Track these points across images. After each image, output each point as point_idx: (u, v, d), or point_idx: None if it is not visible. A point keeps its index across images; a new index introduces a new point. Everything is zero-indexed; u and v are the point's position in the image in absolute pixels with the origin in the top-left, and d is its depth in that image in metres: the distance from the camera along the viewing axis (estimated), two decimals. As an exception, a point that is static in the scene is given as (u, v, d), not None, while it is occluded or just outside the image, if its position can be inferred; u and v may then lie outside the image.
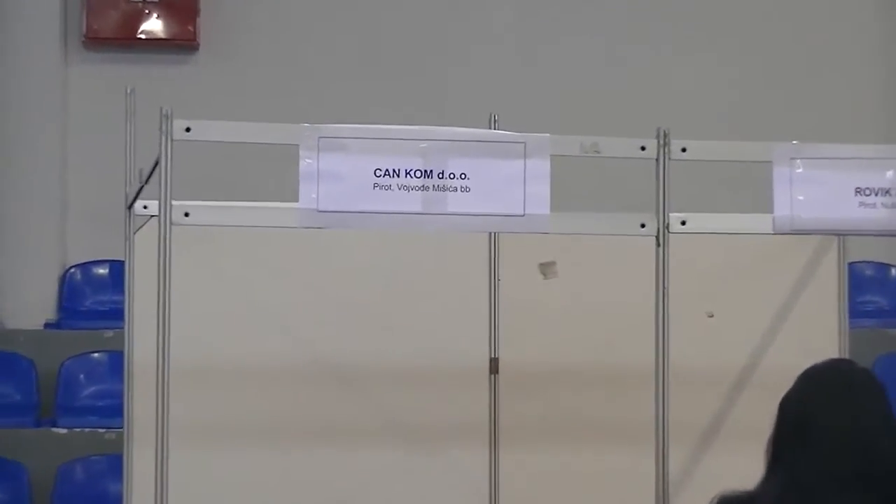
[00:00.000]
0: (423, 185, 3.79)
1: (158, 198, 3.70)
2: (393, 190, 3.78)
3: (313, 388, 4.51)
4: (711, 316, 4.61)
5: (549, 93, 8.86)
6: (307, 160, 3.77)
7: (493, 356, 4.56)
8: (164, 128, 3.64)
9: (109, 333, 7.48)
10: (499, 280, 4.59)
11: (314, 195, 3.78)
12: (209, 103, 8.13)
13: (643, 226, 3.88)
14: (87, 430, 7.42)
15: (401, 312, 4.57)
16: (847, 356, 4.28)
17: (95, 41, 8.82)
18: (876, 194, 3.88)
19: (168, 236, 3.65)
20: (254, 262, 4.52)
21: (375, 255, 4.56)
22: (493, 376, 4.55)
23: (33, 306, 8.30)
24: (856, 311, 5.68)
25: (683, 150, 3.89)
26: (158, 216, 3.71)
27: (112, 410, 6.20)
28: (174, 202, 3.69)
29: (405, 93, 8.70)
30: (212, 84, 8.75)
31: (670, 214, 3.85)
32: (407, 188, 3.78)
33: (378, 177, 3.78)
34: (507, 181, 3.84)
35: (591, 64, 9.00)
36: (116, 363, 5.71)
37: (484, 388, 4.55)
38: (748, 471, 2.46)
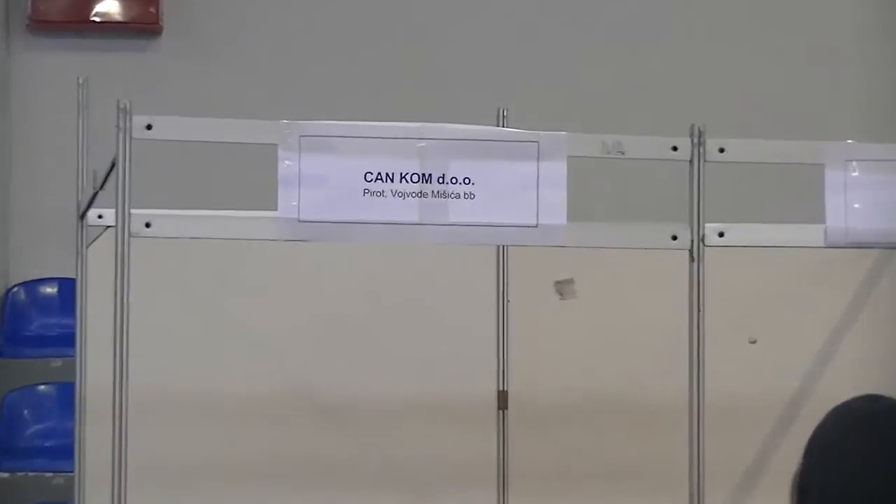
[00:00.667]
0: (420, 191, 3.80)
1: (115, 206, 3.70)
2: (386, 196, 3.79)
3: (294, 422, 4.52)
4: (754, 342, 4.63)
5: (564, 85, 8.87)
6: (287, 162, 3.79)
7: (501, 388, 4.57)
8: (121, 124, 3.64)
9: (58, 362, 7.49)
10: (508, 301, 4.60)
11: (295, 203, 3.79)
12: (174, 96, 8.16)
13: (675, 238, 3.88)
14: (31, 474, 7.41)
15: (394, 336, 4.58)
16: (908, 387, 4.27)
17: (43, 25, 8.84)
18: (945, 202, 3.89)
19: (126, 250, 3.66)
20: (225, 279, 4.54)
21: (365, 269, 4.58)
22: (501, 412, 4.56)
23: (-32, 332, 8.30)
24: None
25: (721, 150, 3.89)
26: (115, 227, 3.71)
27: (61, 451, 6.21)
28: (133, 211, 3.69)
29: (399, 84, 8.72)
30: (177, 74, 8.76)
31: (706, 225, 3.84)
32: (402, 194, 3.79)
33: (369, 181, 3.79)
34: (517, 186, 3.86)
35: (612, 53, 9.01)
36: (66, 396, 5.72)
37: (491, 424, 4.56)
38: (795, 520, 2.46)
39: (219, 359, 4.49)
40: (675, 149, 3.89)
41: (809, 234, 4.08)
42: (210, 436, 4.46)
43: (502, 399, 4.57)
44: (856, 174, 3.87)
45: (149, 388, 3.98)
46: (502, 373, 4.57)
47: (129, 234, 3.65)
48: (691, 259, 3.83)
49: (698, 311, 3.81)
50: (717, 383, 3.85)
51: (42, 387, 7.83)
